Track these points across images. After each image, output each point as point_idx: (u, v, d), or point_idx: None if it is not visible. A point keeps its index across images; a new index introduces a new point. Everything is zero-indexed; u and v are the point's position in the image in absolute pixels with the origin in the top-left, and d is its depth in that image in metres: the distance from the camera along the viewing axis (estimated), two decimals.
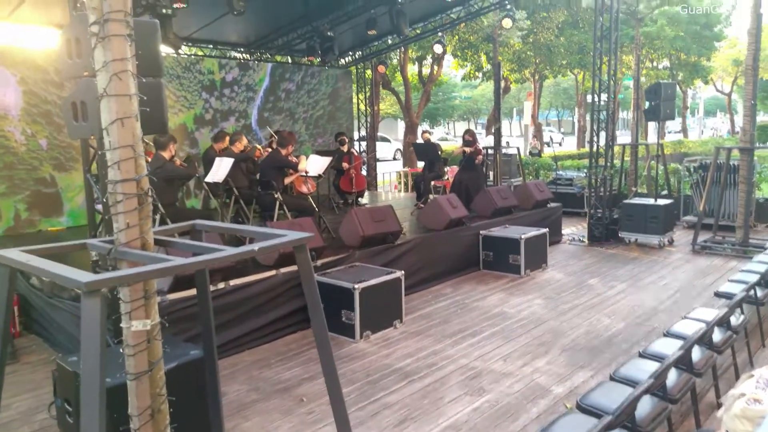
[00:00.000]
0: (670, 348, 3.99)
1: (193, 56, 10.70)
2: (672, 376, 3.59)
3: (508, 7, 11.52)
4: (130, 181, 2.07)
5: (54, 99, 8.27)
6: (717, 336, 4.23)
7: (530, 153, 18.84)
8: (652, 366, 3.71)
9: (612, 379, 3.68)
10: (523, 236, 7.59)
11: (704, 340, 4.00)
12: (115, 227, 2.12)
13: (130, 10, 2.12)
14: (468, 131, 10.16)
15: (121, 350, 2.17)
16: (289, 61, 12.43)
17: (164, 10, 7.51)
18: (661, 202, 9.32)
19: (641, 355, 4.05)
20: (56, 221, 8.48)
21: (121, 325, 2.15)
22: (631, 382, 3.52)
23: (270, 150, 7.89)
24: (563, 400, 4.28)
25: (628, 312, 6.22)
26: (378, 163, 15.04)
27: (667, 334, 4.38)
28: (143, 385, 2.14)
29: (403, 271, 5.92)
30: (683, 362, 3.68)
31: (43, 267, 1.77)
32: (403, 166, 15.66)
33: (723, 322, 4.29)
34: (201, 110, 10.29)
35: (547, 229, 8.25)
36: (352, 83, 13.51)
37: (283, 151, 7.24)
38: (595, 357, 5.05)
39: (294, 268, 5.48)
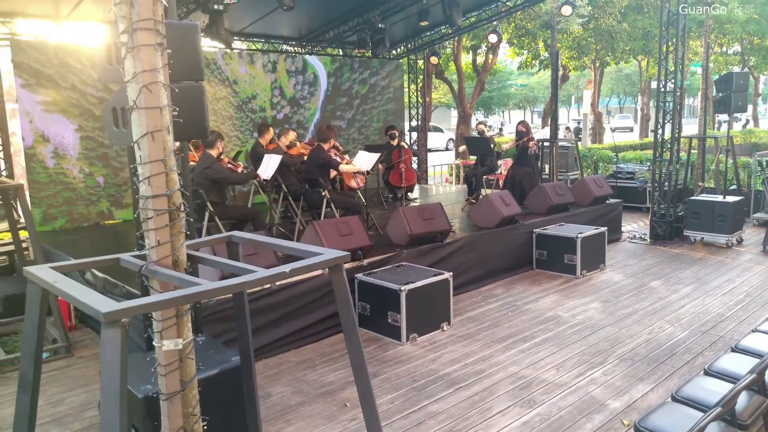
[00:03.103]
0: (739, 365, 3.69)
1: (246, 50, 10.78)
2: (742, 399, 3.31)
3: None
4: (161, 196, 1.99)
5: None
6: None
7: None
8: (719, 385, 3.43)
9: (674, 399, 3.42)
10: (579, 235, 7.27)
11: None
12: (146, 243, 2.06)
13: (162, 17, 2.04)
14: (522, 122, 9.81)
15: None
16: (341, 53, 12.34)
17: (216, 6, 7.56)
18: (730, 199, 8.76)
19: (707, 373, 3.75)
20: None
21: (153, 343, 2.09)
22: (694, 404, 3.26)
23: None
24: (620, 416, 4.04)
25: (692, 318, 5.86)
26: (429, 155, 14.82)
27: (736, 349, 4.05)
28: (175, 405, 2.08)
29: (451, 273, 5.75)
30: (755, 384, 3.38)
31: (68, 291, 1.72)
32: (456, 158, 15.36)
33: None
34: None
35: (606, 227, 7.87)
36: (403, 74, 13.30)
37: (326, 146, 7.16)
38: (655, 368, 4.76)
39: None
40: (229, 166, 6.54)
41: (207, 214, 5.91)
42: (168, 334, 2.03)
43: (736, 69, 24.71)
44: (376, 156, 7.42)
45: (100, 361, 1.51)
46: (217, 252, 3.85)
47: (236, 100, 10.04)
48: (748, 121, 31.29)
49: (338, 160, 7.19)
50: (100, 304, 1.56)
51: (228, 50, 9.70)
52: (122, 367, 1.50)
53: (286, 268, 1.94)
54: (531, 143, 9.29)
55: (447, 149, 27.42)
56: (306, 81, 11.07)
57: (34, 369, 1.96)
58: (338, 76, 11.67)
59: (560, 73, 16.26)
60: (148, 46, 1.98)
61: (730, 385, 3.24)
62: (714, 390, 3.33)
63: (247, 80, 10.16)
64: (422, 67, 13.85)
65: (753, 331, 4.35)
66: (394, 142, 9.96)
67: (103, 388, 1.53)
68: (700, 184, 10.80)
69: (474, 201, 9.31)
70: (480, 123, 11.18)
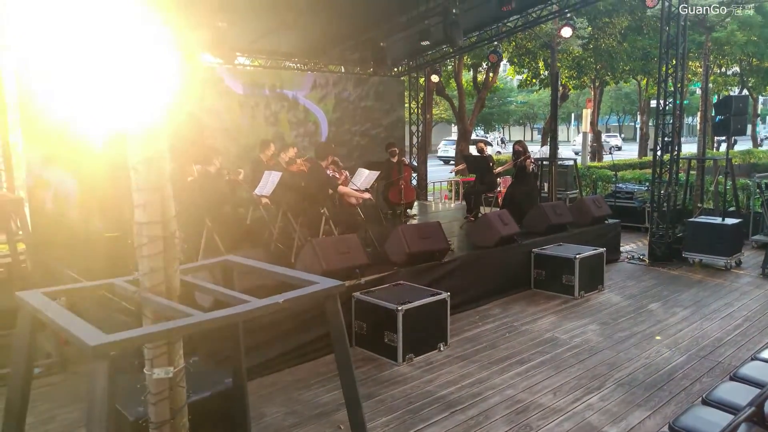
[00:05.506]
0: (738, 395, 3.65)
1: (248, 66, 10.82)
2: (741, 431, 3.27)
3: (568, 15, 11.11)
4: (155, 223, 1.98)
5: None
6: None
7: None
8: (717, 416, 3.39)
9: (672, 429, 3.38)
10: (578, 256, 7.25)
11: None
12: (139, 269, 2.04)
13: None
14: (518, 142, 9.86)
15: None
16: (342, 70, 12.39)
17: (219, 23, 7.62)
18: (729, 221, 8.75)
19: (705, 402, 3.71)
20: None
21: (144, 370, 2.07)
22: None
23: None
24: None
25: (690, 343, 5.82)
26: (429, 170, 14.83)
27: (734, 378, 4.02)
28: None
29: (449, 293, 5.72)
30: (755, 417, 3.35)
31: (57, 320, 1.70)
32: (454, 175, 15.39)
33: None
34: None
35: (604, 248, 7.85)
36: (404, 91, 13.34)
37: (324, 163, 7.16)
38: (653, 394, 4.72)
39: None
40: (228, 177, 6.54)
41: (204, 232, 5.90)
42: (159, 362, 2.00)
43: (735, 90, 24.88)
44: (375, 174, 7.43)
45: (87, 396, 1.49)
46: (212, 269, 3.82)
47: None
48: (735, 141, 31.36)
49: (337, 177, 7.19)
50: (88, 336, 1.53)
51: (229, 65, 9.74)
52: (109, 400, 1.48)
53: (280, 298, 1.93)
54: (528, 162, 9.31)
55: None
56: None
57: (22, 392, 1.93)
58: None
59: (560, 92, 16.33)
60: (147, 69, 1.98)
61: (729, 416, 3.21)
62: (712, 421, 3.30)
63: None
64: (423, 84, 13.91)
65: (752, 359, 4.31)
66: (394, 159, 9.97)
67: (89, 420, 1.50)
68: (699, 205, 10.80)
69: (473, 219, 9.31)
70: (480, 141, 11.21)
